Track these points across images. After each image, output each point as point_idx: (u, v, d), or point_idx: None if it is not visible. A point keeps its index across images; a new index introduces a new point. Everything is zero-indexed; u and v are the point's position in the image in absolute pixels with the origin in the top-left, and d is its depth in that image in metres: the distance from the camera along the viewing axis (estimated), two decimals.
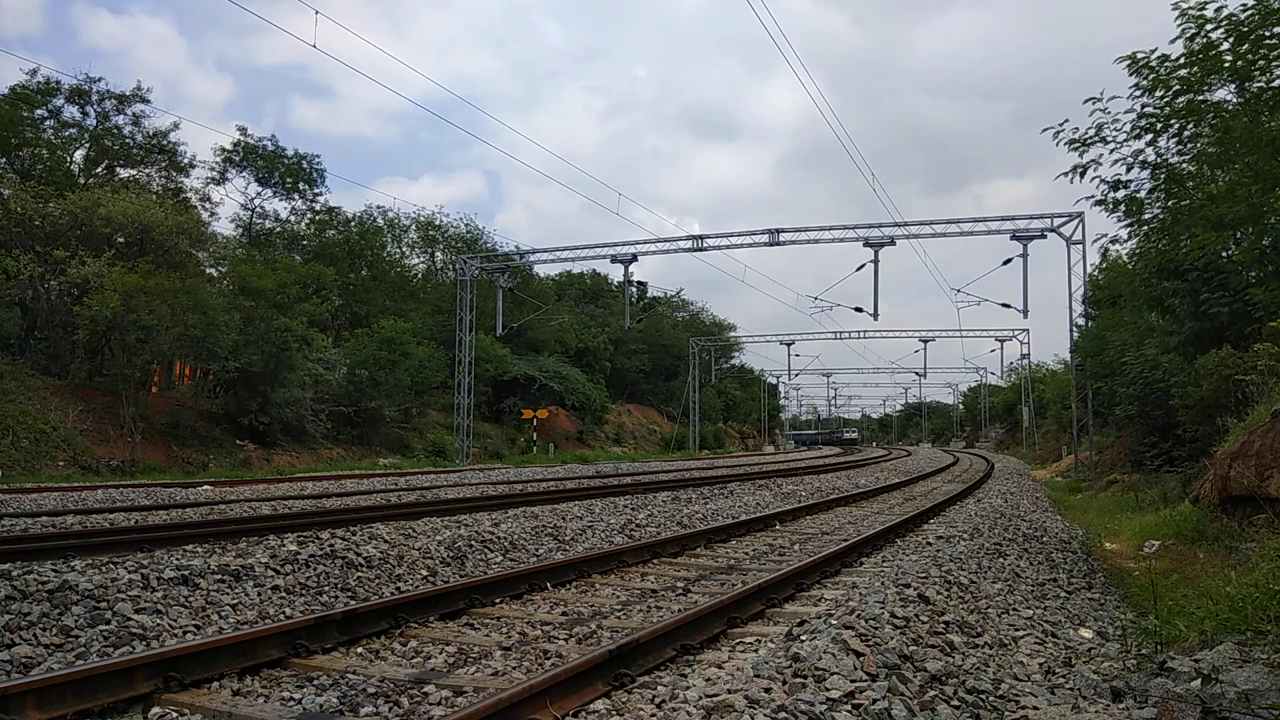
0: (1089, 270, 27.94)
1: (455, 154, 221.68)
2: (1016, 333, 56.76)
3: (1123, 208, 9.73)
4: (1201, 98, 8.56)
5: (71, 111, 33.19)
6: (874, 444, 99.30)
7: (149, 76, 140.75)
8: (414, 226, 50.39)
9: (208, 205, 38.01)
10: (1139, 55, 8.71)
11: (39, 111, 31.92)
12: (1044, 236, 28.43)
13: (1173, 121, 8.79)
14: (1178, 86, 8.52)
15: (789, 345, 58.90)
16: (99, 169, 33.35)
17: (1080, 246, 27.51)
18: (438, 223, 50.94)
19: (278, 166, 40.01)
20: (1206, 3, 8.17)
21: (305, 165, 40.88)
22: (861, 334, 53.09)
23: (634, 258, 32.89)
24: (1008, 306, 44.31)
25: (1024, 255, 28.74)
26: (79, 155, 33.29)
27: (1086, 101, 8.97)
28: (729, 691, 3.60)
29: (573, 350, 51.99)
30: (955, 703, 3.90)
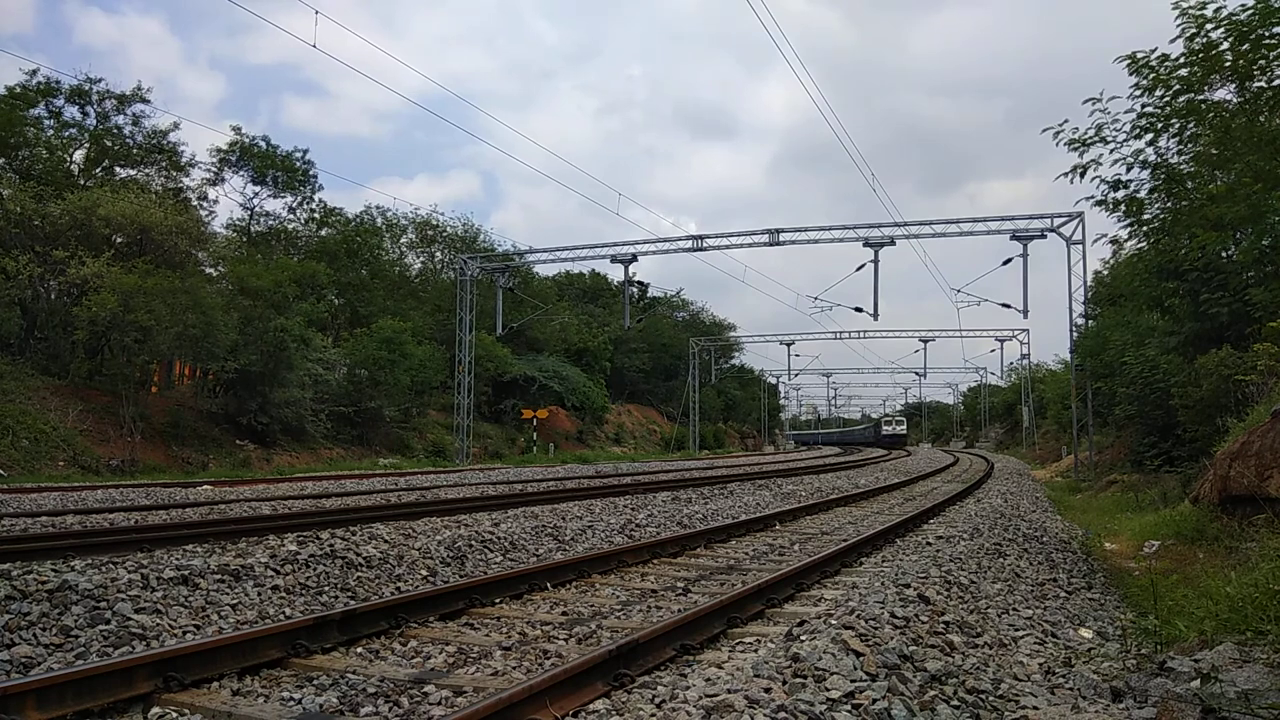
0: (1093, 268, 27.96)
1: (449, 153, 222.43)
2: (1016, 333, 56.83)
3: (1123, 208, 9.73)
4: (1201, 97, 8.56)
5: (71, 112, 33.23)
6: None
7: (142, 75, 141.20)
8: (411, 226, 50.49)
9: (205, 205, 38.04)
10: (1139, 55, 8.71)
11: (39, 111, 31.94)
12: (1044, 236, 28.45)
13: (1173, 121, 8.80)
14: (1178, 86, 8.52)
15: (789, 345, 58.95)
16: (99, 169, 33.33)
17: (1080, 246, 27.54)
18: (435, 222, 51.03)
19: (273, 164, 39.98)
20: (1207, 2, 8.17)
21: (297, 161, 40.85)
22: (861, 334, 53.14)
23: (634, 258, 32.91)
24: (1008, 306, 44.32)
25: (1024, 255, 28.79)
26: (79, 155, 33.28)
27: (1086, 102, 8.98)
28: (729, 691, 3.60)
29: (573, 350, 52.00)
30: (955, 703, 3.90)
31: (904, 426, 79.60)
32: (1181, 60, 8.43)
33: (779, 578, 6.67)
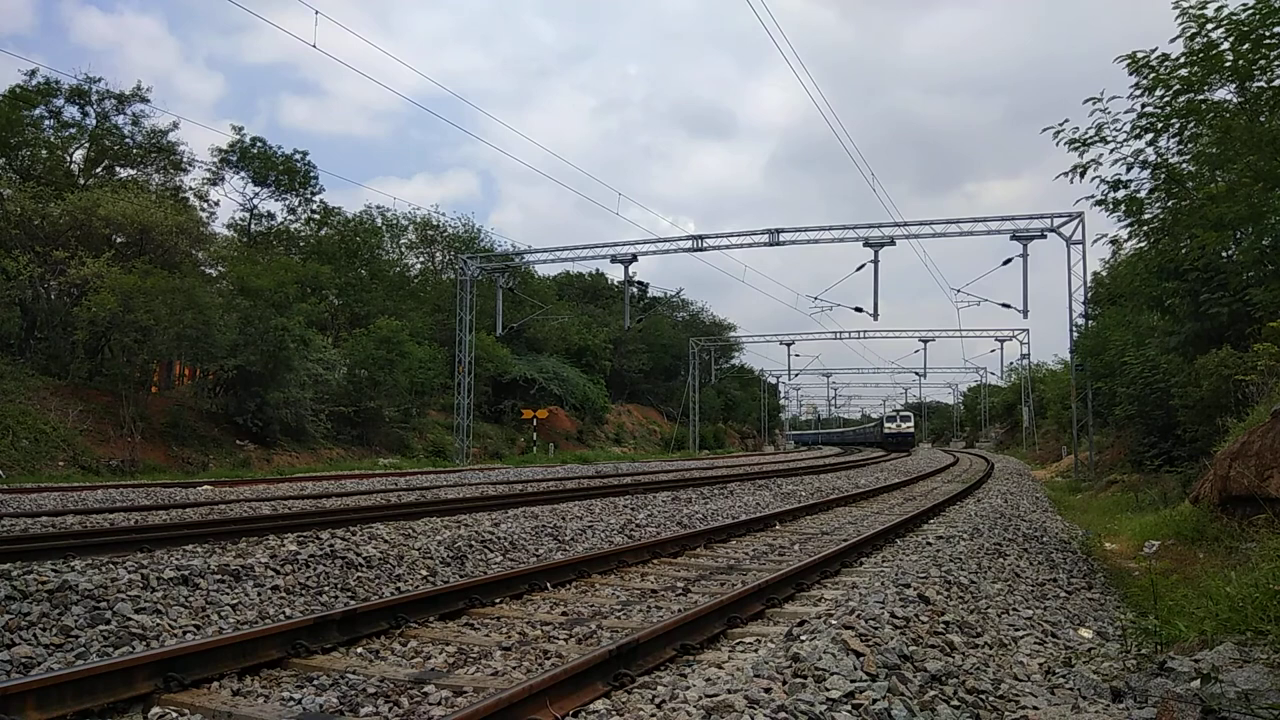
0: (1093, 268, 27.96)
1: (446, 152, 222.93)
2: (1016, 333, 56.79)
3: (1123, 208, 9.73)
4: (1202, 97, 8.56)
5: (71, 111, 33.22)
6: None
7: (139, 74, 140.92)
8: (411, 226, 50.51)
9: (205, 205, 38.01)
10: (1139, 55, 8.71)
11: (38, 111, 31.92)
12: (1044, 236, 28.46)
13: (1173, 121, 8.80)
14: (1178, 86, 8.52)
15: (789, 345, 58.96)
16: (99, 169, 33.33)
17: (1080, 246, 27.55)
18: (435, 222, 51.06)
19: (274, 166, 39.97)
20: (1207, 2, 8.18)
21: (298, 163, 40.84)
22: (861, 334, 53.16)
23: (634, 258, 32.90)
24: (1007, 306, 44.39)
25: (1024, 255, 28.80)
26: (79, 155, 33.29)
27: (1086, 101, 8.99)
28: (729, 691, 3.60)
29: (573, 350, 52.00)
30: (955, 703, 3.90)
31: (910, 424, 72.30)
32: (1182, 60, 8.44)
33: (779, 578, 6.67)
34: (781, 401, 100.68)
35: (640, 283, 66.34)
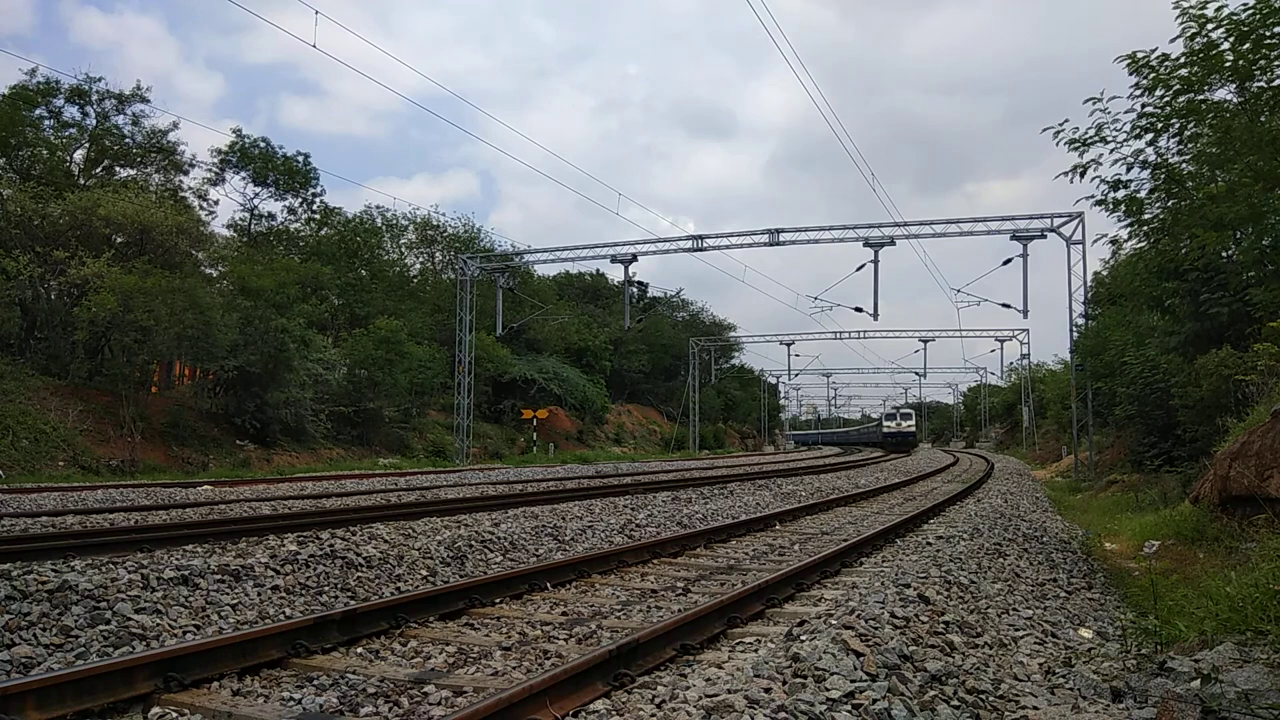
0: (1093, 268, 27.96)
1: (446, 152, 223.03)
2: (1016, 333, 56.80)
3: (1123, 208, 9.73)
4: (1202, 97, 8.56)
5: (71, 111, 33.24)
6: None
7: (138, 74, 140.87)
8: (411, 226, 50.53)
9: (205, 205, 38.03)
10: (1139, 54, 8.71)
11: (38, 111, 31.93)
12: (1044, 237, 28.47)
13: (1173, 121, 8.80)
14: (1178, 86, 8.52)
15: (789, 345, 58.97)
16: (99, 169, 33.34)
17: (1080, 246, 27.56)
18: (435, 222, 51.08)
19: (273, 167, 39.99)
20: (1207, 2, 8.18)
21: (299, 164, 40.87)
22: (861, 334, 53.19)
23: (634, 258, 32.89)
24: (1007, 306, 44.42)
25: (1024, 255, 28.81)
26: (79, 155, 33.30)
27: (1086, 101, 8.99)
28: (729, 691, 3.60)
29: (573, 350, 52.02)
30: (955, 703, 3.90)
31: (911, 422, 69.90)
32: (1182, 60, 8.43)
33: (779, 578, 6.67)
34: (781, 401, 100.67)
35: (640, 283, 66.45)
